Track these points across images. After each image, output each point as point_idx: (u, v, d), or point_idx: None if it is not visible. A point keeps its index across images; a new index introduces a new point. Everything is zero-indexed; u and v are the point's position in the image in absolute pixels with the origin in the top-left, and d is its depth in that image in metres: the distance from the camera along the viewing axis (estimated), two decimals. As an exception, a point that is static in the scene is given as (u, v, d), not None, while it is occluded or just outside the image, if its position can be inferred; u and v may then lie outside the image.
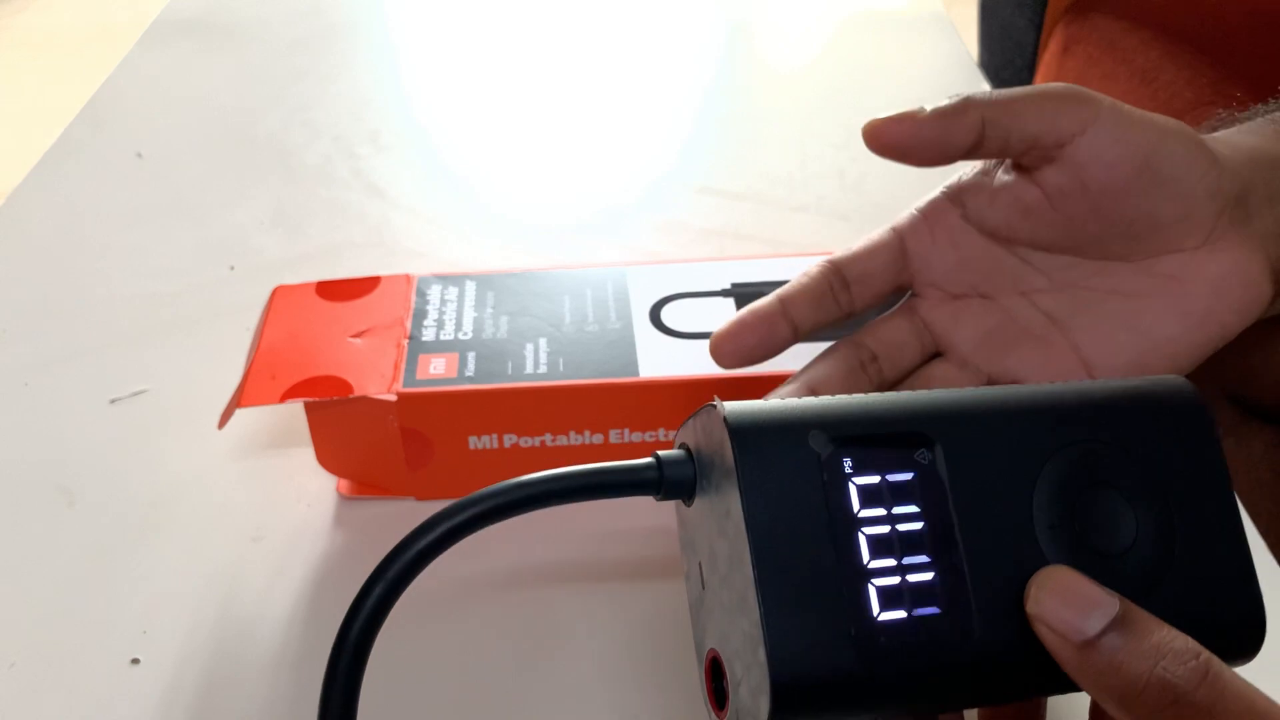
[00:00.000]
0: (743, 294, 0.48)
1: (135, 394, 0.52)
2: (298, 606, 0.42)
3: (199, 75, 0.81)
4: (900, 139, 0.35)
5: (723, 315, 0.47)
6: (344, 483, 0.46)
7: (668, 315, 0.47)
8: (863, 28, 0.87)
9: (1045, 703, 0.31)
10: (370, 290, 0.48)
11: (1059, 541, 0.26)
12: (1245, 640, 0.28)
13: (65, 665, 0.40)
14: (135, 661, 0.40)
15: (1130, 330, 0.35)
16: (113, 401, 0.52)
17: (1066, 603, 0.25)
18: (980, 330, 0.37)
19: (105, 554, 0.44)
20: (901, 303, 0.39)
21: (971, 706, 0.28)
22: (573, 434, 0.44)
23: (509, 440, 0.44)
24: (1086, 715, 0.31)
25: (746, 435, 0.25)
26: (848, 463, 0.26)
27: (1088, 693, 0.25)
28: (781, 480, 0.25)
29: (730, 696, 0.26)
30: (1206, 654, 0.24)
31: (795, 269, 0.49)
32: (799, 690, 0.24)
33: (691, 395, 0.44)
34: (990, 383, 0.36)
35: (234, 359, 0.47)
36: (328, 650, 0.26)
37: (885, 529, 0.26)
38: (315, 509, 0.46)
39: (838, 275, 0.37)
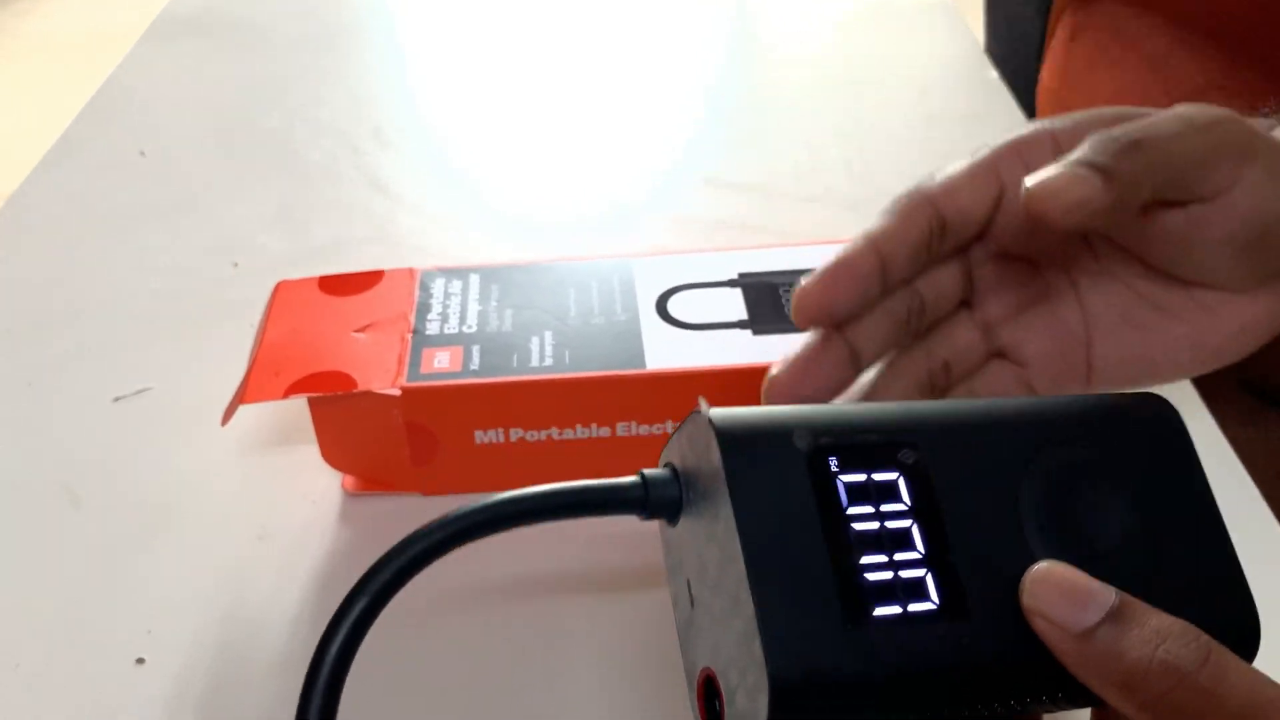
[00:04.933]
0: (750, 284, 0.47)
1: (139, 392, 0.52)
2: (304, 604, 0.42)
3: (201, 72, 0.81)
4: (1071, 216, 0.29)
5: (730, 306, 0.46)
6: (349, 479, 0.46)
7: (674, 306, 0.46)
8: (869, 17, 0.87)
9: None
10: (373, 284, 0.48)
11: (1048, 542, 0.26)
12: (1240, 645, 0.27)
13: (70, 666, 0.40)
14: (140, 661, 0.40)
15: (1144, 344, 0.34)
16: (116, 400, 0.51)
17: (1063, 595, 0.24)
18: (1014, 293, 0.35)
19: (110, 553, 0.44)
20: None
21: (971, 713, 0.27)
22: (579, 427, 0.44)
23: (515, 434, 0.43)
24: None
25: (732, 434, 0.25)
26: (833, 461, 0.26)
27: (1087, 684, 0.25)
28: (768, 477, 0.25)
29: (725, 712, 0.25)
30: (1206, 637, 0.24)
31: (804, 259, 0.49)
32: (797, 684, 0.23)
33: (699, 387, 0.43)
34: (999, 353, 0.35)
35: (237, 356, 0.47)
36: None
37: (874, 525, 0.25)
38: (320, 506, 0.45)
39: (936, 216, 0.32)
